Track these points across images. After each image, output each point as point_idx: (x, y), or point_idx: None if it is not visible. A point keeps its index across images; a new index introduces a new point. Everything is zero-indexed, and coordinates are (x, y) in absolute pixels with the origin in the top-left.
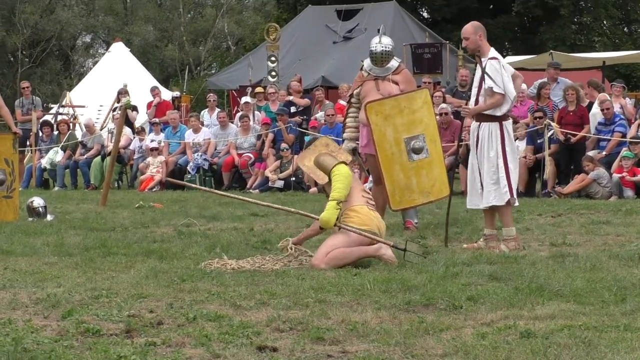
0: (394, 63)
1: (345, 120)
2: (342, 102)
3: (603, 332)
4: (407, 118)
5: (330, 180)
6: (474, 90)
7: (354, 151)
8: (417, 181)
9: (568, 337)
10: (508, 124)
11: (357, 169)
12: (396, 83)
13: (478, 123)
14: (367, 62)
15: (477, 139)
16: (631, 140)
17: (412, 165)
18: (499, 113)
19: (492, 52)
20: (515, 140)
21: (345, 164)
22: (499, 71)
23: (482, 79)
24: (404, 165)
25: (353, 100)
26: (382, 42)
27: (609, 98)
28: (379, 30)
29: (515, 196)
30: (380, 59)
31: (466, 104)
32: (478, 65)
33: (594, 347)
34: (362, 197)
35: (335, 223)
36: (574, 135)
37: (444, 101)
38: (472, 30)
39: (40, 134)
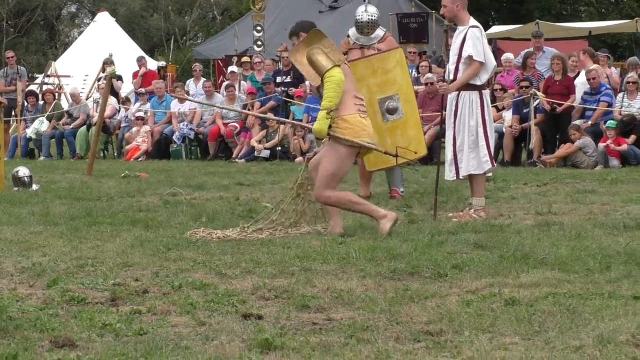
0: (379, 32)
1: None
2: None
3: (587, 300)
4: (380, 78)
5: (322, 82)
6: (453, 59)
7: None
8: (392, 142)
9: (552, 304)
10: (487, 93)
11: None
12: (380, 51)
13: (457, 92)
14: (352, 31)
15: (456, 108)
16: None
17: (387, 125)
18: (478, 82)
19: (472, 21)
20: (501, 110)
21: (339, 66)
22: (480, 39)
23: (461, 47)
24: (378, 126)
25: None
26: (368, 11)
27: (592, 67)
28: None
29: (495, 165)
30: (366, 28)
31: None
32: (456, 34)
33: (579, 314)
34: (354, 105)
35: (328, 132)
36: (560, 105)
37: (430, 71)
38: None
39: (26, 103)
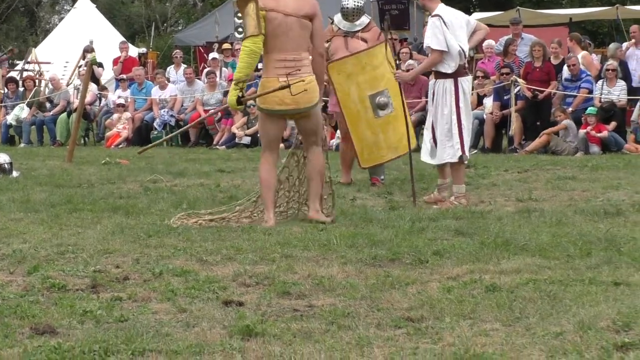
0: (364, 19)
1: None
2: None
3: (568, 286)
4: (369, 75)
5: None
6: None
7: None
8: (385, 137)
9: (533, 290)
10: (465, 80)
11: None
12: (365, 41)
13: (434, 80)
14: (337, 17)
15: (433, 95)
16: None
17: (379, 121)
18: (449, 70)
19: (438, 9)
20: (483, 97)
21: (255, 36)
22: (440, 28)
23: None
24: (370, 122)
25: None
26: None
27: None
28: None
29: (467, 153)
30: (351, 14)
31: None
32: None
33: (559, 300)
34: (274, 69)
35: (241, 101)
36: (541, 92)
37: (411, 57)
38: None
39: (6, 90)
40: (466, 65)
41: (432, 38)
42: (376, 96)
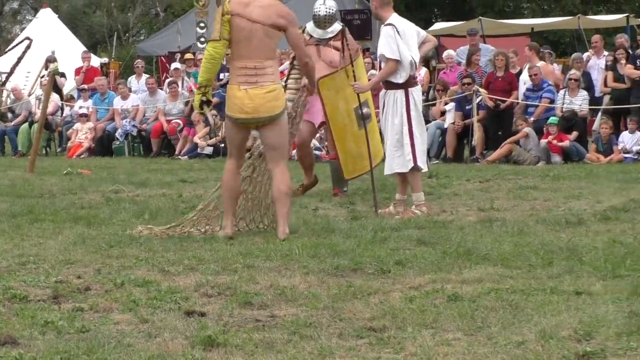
0: (336, 26)
1: (287, 81)
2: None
3: (530, 295)
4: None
5: None
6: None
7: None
8: (366, 148)
9: (495, 300)
10: (415, 90)
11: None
12: (337, 49)
13: (384, 91)
14: (309, 25)
15: (384, 106)
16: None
17: (362, 132)
18: (400, 80)
19: (391, 18)
20: (445, 106)
21: (216, 40)
22: (393, 37)
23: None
24: (355, 134)
25: (296, 62)
26: (326, 4)
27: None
28: None
29: (420, 163)
30: (323, 21)
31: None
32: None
33: (521, 309)
34: (235, 76)
35: (202, 107)
36: (503, 102)
37: (373, 67)
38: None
39: None
40: (416, 75)
41: (385, 47)
42: (360, 107)
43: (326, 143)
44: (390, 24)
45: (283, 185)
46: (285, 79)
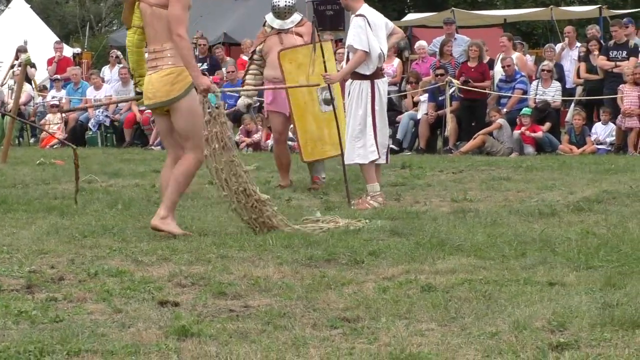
0: (296, 17)
1: (245, 76)
2: (245, 58)
3: (503, 286)
4: (319, 67)
5: None
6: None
7: (248, 107)
8: (329, 132)
9: (469, 290)
10: (381, 82)
11: (259, 126)
12: (300, 35)
13: (350, 81)
14: (269, 17)
15: (348, 96)
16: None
17: (324, 116)
18: (367, 72)
19: (362, 9)
20: (418, 97)
21: (135, 28)
22: (363, 28)
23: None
24: (316, 115)
25: (255, 57)
26: None
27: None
28: None
29: (380, 154)
30: (283, 12)
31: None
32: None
33: (494, 300)
34: (147, 62)
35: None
36: (475, 92)
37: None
38: None
39: None
40: (382, 67)
41: (355, 37)
42: (323, 90)
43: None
44: (360, 15)
45: (177, 172)
46: (243, 75)
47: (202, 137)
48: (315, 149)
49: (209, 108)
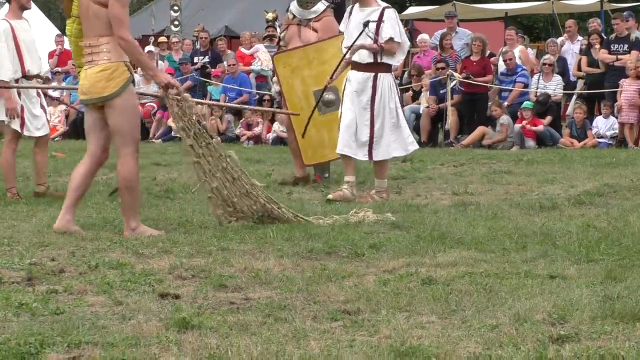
0: (320, 7)
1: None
2: (244, 50)
3: (504, 279)
4: (316, 70)
5: None
6: (351, 37)
7: (279, 94)
8: (329, 136)
9: (469, 283)
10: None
11: (259, 119)
12: (315, 31)
13: (372, 74)
14: (293, 5)
15: (374, 90)
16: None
17: (323, 119)
18: (396, 63)
19: (380, 1)
20: (419, 91)
21: (70, 16)
22: (396, 20)
23: (365, 26)
24: (315, 120)
25: (282, 44)
26: None
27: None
28: None
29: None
30: (305, 1)
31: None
32: (355, 12)
33: (495, 293)
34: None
35: None
36: (477, 85)
37: None
38: None
39: None
40: None
41: (392, 29)
42: (322, 92)
43: None
44: (391, 7)
45: (122, 178)
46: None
47: (136, 133)
48: (316, 153)
49: (174, 100)
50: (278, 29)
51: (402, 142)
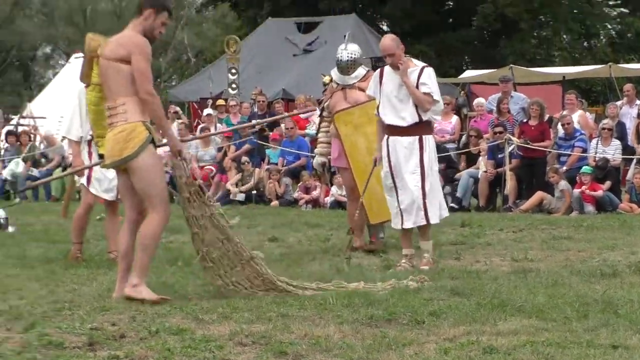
0: (361, 71)
1: (318, 134)
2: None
3: (566, 349)
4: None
5: None
6: (399, 96)
7: (322, 166)
8: None
9: (531, 353)
10: None
11: (317, 182)
12: (363, 90)
13: (417, 136)
14: (334, 72)
15: (421, 151)
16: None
17: None
18: (437, 117)
19: (417, 61)
20: (477, 155)
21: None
22: (434, 80)
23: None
24: (379, 176)
25: (324, 113)
26: (348, 49)
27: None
28: (345, 37)
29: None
30: (346, 67)
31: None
32: (389, 75)
33: None
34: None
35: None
36: (535, 150)
37: None
38: (394, 44)
39: (6, 144)
40: None
41: (434, 87)
42: None
43: None
44: (429, 67)
45: (141, 236)
46: (316, 132)
47: (162, 194)
48: (382, 211)
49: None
50: None
51: (438, 207)
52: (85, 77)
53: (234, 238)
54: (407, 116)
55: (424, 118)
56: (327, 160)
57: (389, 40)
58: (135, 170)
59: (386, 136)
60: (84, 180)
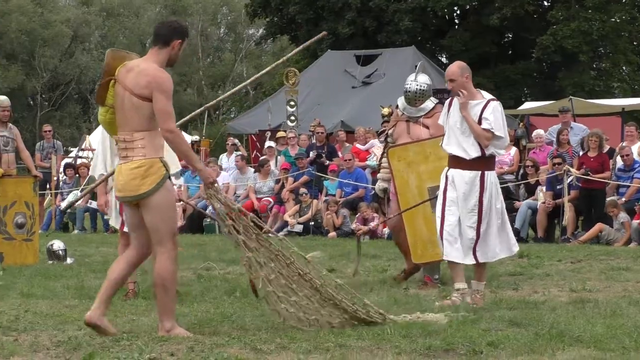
0: (429, 104)
1: (381, 159)
2: (358, 146)
3: None
4: (432, 165)
5: None
6: (462, 128)
7: (384, 191)
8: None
9: None
10: None
11: (374, 214)
12: (427, 127)
13: (478, 172)
14: (400, 101)
15: (482, 189)
16: None
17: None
18: (498, 158)
19: (486, 93)
20: (535, 186)
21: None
22: (501, 114)
23: (479, 121)
24: (427, 217)
25: (389, 140)
26: (417, 80)
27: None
28: (416, 66)
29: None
30: (413, 98)
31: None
32: (456, 106)
33: None
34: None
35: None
36: (594, 182)
37: None
38: (458, 71)
39: (64, 176)
40: None
41: (497, 123)
42: (437, 189)
43: None
44: (496, 100)
45: (158, 276)
46: (379, 159)
47: (172, 230)
48: (426, 252)
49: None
50: None
51: (507, 242)
52: (100, 97)
53: (299, 266)
54: (470, 149)
55: (487, 152)
56: (388, 186)
57: (454, 67)
58: (151, 207)
59: (446, 168)
60: (113, 222)
